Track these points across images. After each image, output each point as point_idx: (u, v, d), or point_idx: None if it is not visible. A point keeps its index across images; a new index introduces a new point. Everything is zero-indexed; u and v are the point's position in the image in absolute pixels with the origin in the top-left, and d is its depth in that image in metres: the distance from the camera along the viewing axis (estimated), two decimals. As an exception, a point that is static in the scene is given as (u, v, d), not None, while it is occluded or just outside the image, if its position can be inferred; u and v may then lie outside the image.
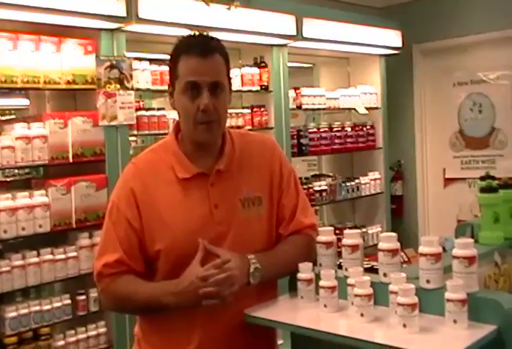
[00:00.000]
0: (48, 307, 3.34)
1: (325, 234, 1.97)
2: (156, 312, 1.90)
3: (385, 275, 1.82)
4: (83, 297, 3.49)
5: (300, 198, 2.08)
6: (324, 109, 5.31)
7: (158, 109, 4.03)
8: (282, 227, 2.04)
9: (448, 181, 6.21)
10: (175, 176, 1.93)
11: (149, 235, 1.91)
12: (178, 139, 2.02)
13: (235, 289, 1.80)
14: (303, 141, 4.97)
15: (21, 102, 4.72)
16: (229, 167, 1.97)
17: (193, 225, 1.88)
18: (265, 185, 2.02)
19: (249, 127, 4.52)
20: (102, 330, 3.58)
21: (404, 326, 1.61)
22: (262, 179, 2.02)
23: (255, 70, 4.58)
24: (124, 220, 1.91)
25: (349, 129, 5.43)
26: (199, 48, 1.87)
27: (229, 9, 4.04)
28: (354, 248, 1.91)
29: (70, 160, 3.46)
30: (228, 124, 4.46)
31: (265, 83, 4.63)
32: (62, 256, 3.39)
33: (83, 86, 3.53)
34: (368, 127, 5.64)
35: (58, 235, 3.46)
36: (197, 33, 1.99)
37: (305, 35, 4.68)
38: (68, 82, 3.46)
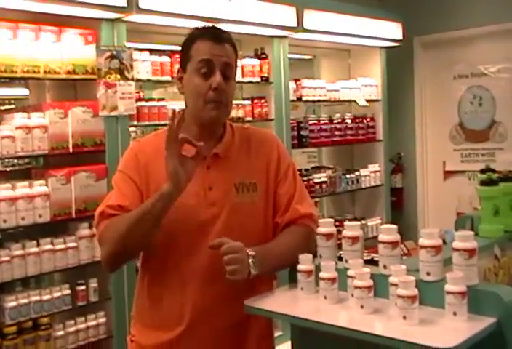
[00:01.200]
0: (48, 297, 3.35)
1: (325, 226, 1.97)
2: (156, 217, 1.83)
3: (385, 267, 1.81)
4: (82, 287, 3.50)
5: (298, 189, 2.10)
6: (324, 101, 5.31)
7: (159, 100, 4.03)
8: (278, 216, 2.06)
9: (448, 174, 6.22)
10: None
11: None
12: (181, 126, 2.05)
13: (238, 278, 1.82)
14: (303, 133, 4.97)
15: (21, 91, 4.71)
16: (226, 153, 2.03)
17: (187, 203, 1.91)
18: (261, 174, 2.05)
19: (250, 118, 4.52)
20: (102, 320, 3.59)
21: (404, 318, 1.61)
22: (258, 168, 2.06)
23: (256, 62, 4.58)
24: (131, 182, 1.98)
25: (349, 121, 5.43)
26: (213, 35, 1.98)
27: (230, 0, 4.03)
28: (354, 240, 1.91)
29: (70, 150, 3.46)
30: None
31: (266, 75, 4.63)
32: (62, 246, 3.40)
33: (83, 76, 3.53)
34: (368, 119, 5.64)
35: (58, 225, 3.46)
36: (209, 24, 2.08)
37: (305, 26, 4.67)
38: (68, 72, 3.46)
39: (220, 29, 2.04)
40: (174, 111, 1.80)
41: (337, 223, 3.92)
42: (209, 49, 1.95)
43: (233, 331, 1.98)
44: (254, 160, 2.06)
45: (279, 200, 2.06)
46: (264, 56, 4.64)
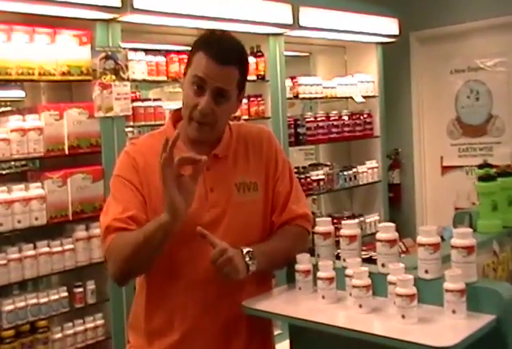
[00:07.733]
0: (45, 299, 3.33)
1: (323, 225, 1.96)
2: (158, 244, 1.78)
3: (383, 265, 1.81)
4: (80, 290, 3.49)
5: (294, 188, 2.09)
6: (320, 98, 5.30)
7: (155, 100, 4.01)
8: (275, 216, 2.04)
9: (445, 169, 6.21)
10: None
11: (148, 207, 1.90)
12: (177, 127, 2.00)
13: (238, 278, 1.81)
14: (300, 130, 4.96)
15: (16, 93, 4.70)
16: (225, 153, 2.00)
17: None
18: (260, 172, 2.04)
19: (246, 117, 4.50)
20: (100, 322, 3.58)
21: (403, 316, 1.61)
22: (258, 167, 2.04)
23: (252, 60, 4.55)
24: (131, 186, 1.91)
25: (346, 118, 5.42)
26: (217, 54, 1.85)
27: (224, -3, 4.01)
28: (352, 238, 1.90)
29: (66, 152, 3.44)
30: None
31: (262, 73, 4.62)
32: (59, 248, 3.38)
33: (78, 78, 3.51)
34: (365, 116, 5.62)
35: (55, 228, 3.45)
36: (221, 32, 1.95)
37: (301, 24, 4.66)
38: (63, 73, 3.44)
39: (228, 46, 1.90)
40: (167, 140, 1.68)
41: (334, 220, 3.93)
42: (206, 68, 1.85)
43: (232, 336, 1.95)
44: (252, 159, 2.04)
45: (277, 198, 2.05)
46: (260, 54, 4.62)
